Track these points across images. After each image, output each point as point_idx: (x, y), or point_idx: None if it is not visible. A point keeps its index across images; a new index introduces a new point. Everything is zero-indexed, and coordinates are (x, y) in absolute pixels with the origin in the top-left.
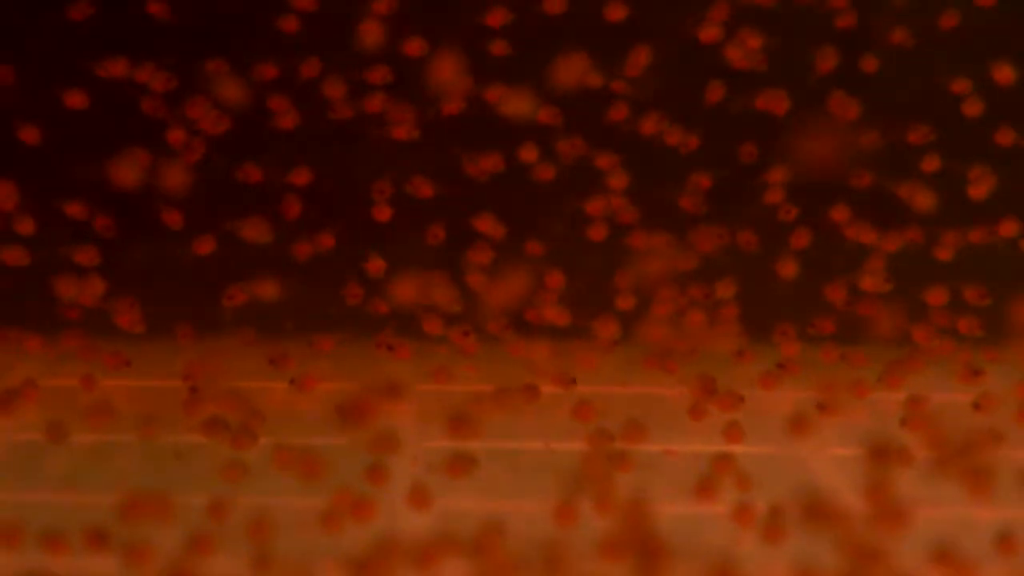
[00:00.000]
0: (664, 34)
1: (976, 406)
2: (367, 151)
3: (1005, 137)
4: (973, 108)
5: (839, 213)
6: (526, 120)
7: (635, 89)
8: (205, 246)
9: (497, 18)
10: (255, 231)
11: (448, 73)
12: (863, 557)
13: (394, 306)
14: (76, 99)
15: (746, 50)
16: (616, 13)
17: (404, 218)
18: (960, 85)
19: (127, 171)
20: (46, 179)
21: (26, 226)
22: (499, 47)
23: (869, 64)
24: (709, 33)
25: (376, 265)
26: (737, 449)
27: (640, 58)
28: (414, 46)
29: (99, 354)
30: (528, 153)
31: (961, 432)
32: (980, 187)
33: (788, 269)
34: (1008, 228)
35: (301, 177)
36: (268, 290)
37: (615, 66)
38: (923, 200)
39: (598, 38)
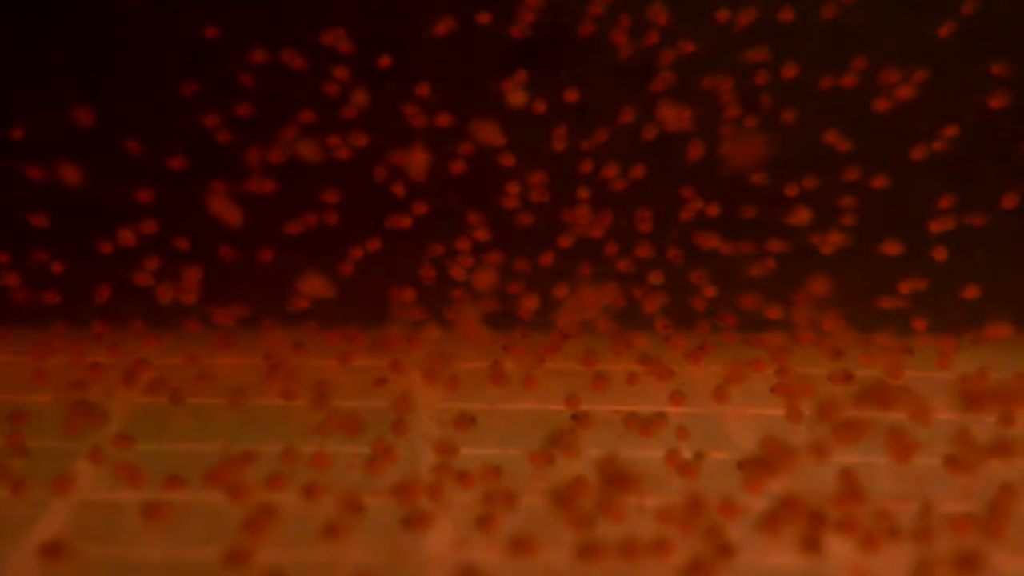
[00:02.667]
0: None
1: (830, 377)
2: None
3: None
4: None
5: (708, 242)
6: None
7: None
8: (267, 255)
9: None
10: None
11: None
12: (761, 486)
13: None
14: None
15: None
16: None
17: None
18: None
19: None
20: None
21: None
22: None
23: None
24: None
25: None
26: (675, 410)
27: None
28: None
29: (204, 340)
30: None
31: (824, 399)
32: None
33: (703, 281)
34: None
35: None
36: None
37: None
38: (803, 214)
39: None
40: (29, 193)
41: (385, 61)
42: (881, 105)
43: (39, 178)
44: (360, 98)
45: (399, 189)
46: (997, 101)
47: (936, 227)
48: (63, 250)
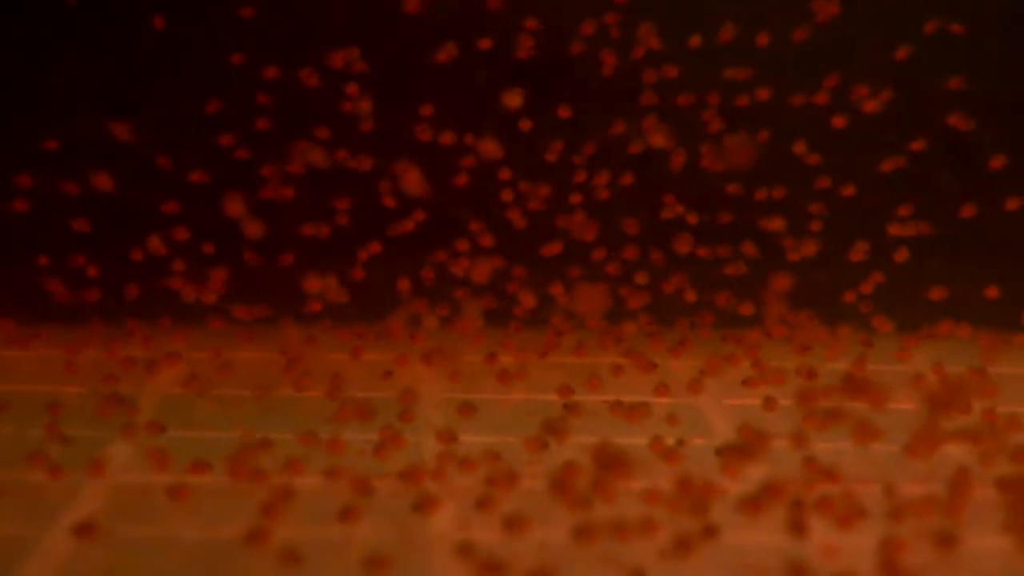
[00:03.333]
0: None
1: (797, 371)
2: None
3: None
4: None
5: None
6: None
7: None
8: (285, 259)
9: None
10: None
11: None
12: (738, 469)
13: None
14: None
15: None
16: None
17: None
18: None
19: None
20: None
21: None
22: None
23: None
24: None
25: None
26: (660, 400)
27: None
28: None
29: (227, 336)
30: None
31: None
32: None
33: (684, 287)
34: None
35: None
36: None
37: None
38: (776, 221)
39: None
40: (69, 203)
41: (394, 83)
42: (847, 121)
43: (78, 189)
44: (366, 107)
45: (404, 198)
46: (956, 120)
47: (896, 231)
48: (99, 254)
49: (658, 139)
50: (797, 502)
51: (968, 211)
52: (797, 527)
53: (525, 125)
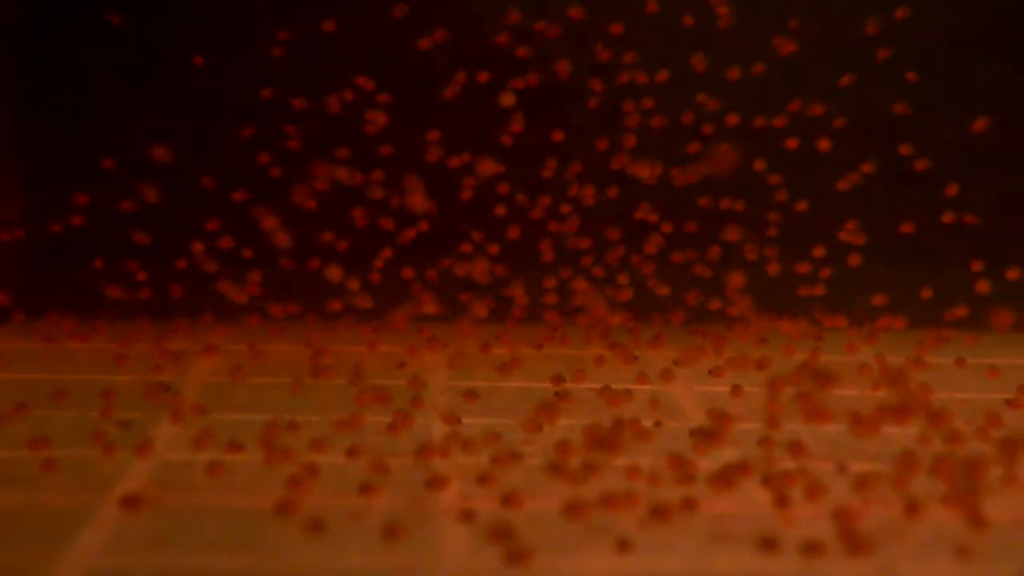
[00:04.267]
0: None
1: (758, 365)
2: None
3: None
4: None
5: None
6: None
7: None
8: (313, 263)
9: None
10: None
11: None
12: (708, 449)
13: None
14: None
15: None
16: None
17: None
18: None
19: None
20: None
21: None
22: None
23: None
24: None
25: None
26: (640, 387)
27: None
28: None
29: (262, 331)
30: None
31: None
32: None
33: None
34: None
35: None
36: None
37: None
38: (733, 232)
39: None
40: (123, 217)
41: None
42: (803, 144)
43: (132, 205)
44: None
45: (414, 212)
46: (904, 147)
47: (846, 237)
48: (150, 260)
49: (642, 170)
50: (769, 476)
51: (908, 226)
52: (782, 502)
53: (518, 125)
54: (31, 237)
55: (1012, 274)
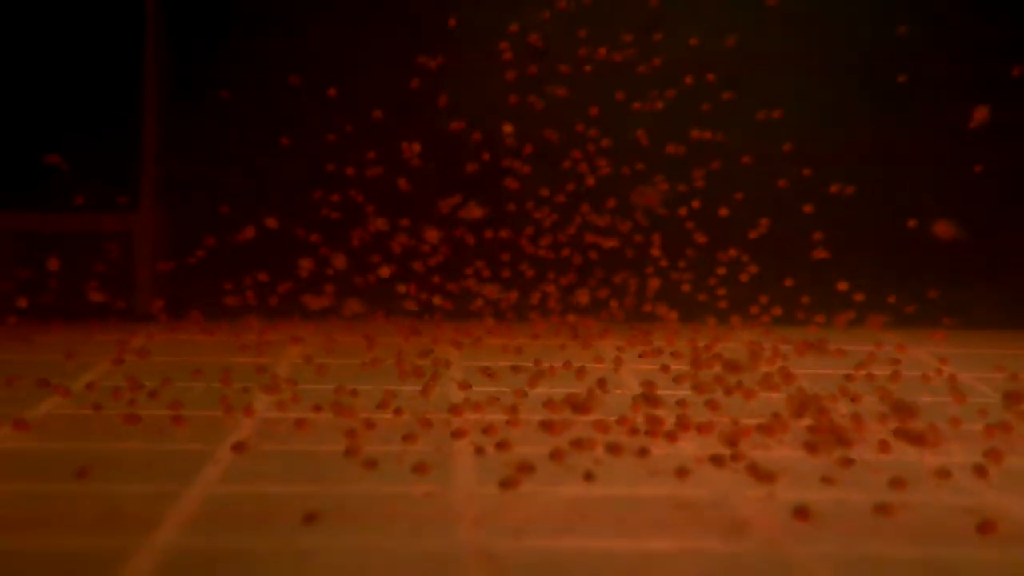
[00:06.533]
0: None
1: (672, 353)
2: None
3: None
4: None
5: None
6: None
7: None
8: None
9: None
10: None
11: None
12: (643, 408)
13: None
14: None
15: None
16: None
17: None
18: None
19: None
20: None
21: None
22: None
23: None
24: None
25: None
26: (596, 366)
27: None
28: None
29: (334, 325)
30: None
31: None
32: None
33: (607, 288)
34: None
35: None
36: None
37: None
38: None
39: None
40: (239, 247)
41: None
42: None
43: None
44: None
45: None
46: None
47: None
48: (256, 277)
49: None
50: (686, 426)
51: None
52: (731, 441)
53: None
54: (176, 264)
55: (843, 286)
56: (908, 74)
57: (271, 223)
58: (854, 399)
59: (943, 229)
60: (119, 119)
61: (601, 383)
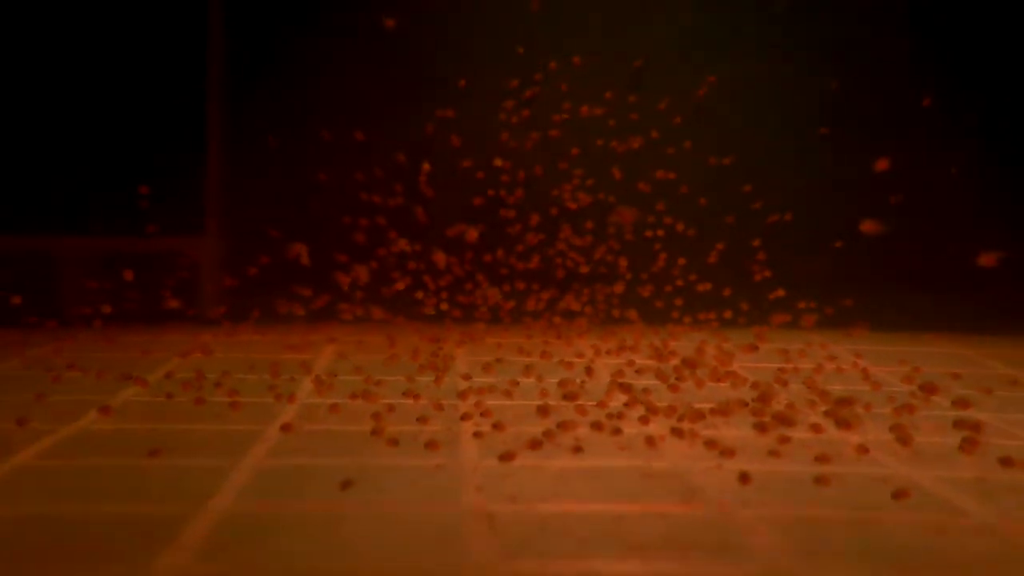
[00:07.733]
0: None
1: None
2: None
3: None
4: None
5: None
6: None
7: None
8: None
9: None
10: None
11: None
12: (616, 394)
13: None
14: None
15: None
16: None
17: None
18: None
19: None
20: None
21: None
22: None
23: None
24: None
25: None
26: (576, 360)
27: None
28: None
29: (363, 327)
30: None
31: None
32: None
33: (583, 295)
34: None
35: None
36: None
37: None
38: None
39: None
40: (287, 264)
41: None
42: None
43: (292, 255)
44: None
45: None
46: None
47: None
48: (300, 285)
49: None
50: (654, 411)
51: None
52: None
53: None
54: (236, 279)
55: (780, 293)
56: (829, 127)
57: (312, 245)
58: (787, 387)
59: (868, 227)
60: (189, 162)
61: (584, 372)
